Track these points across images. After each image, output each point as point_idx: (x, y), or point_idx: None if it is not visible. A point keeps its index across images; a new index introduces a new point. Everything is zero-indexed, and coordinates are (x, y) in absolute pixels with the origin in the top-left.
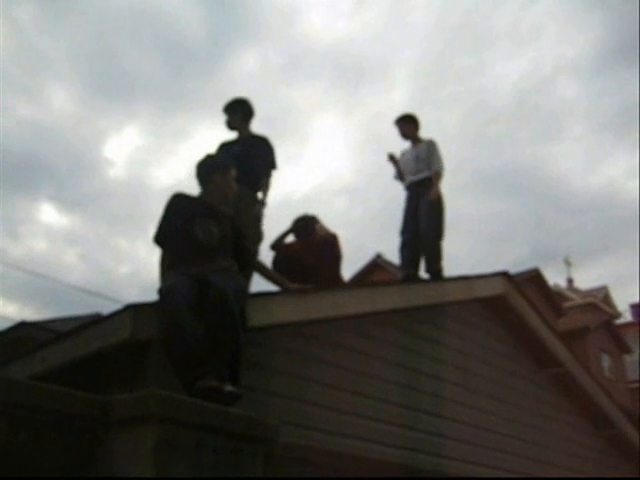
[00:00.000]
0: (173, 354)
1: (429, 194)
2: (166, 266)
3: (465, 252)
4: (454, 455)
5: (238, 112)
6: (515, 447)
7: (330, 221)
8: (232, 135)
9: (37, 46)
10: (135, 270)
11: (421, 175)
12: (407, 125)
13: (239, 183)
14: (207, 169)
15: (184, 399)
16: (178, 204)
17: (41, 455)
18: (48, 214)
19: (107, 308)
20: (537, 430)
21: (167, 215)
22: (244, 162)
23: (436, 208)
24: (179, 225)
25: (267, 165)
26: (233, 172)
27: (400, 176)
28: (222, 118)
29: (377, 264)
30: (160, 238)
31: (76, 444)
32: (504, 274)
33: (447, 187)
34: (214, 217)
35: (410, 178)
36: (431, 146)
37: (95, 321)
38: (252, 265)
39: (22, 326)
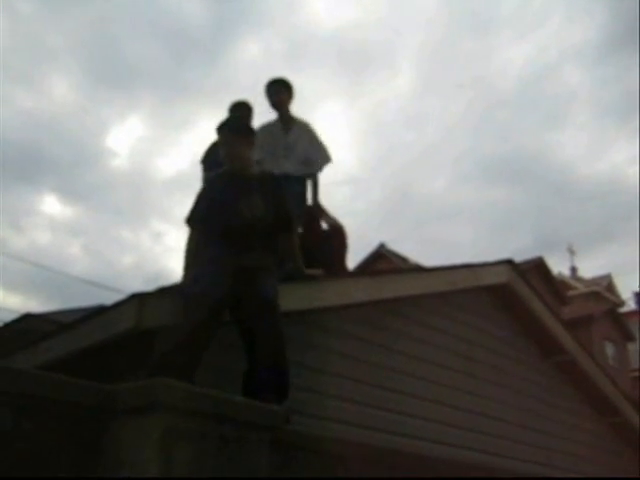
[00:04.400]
0: (167, 344)
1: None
2: (195, 248)
3: (468, 241)
4: (458, 442)
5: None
6: (520, 434)
7: (333, 211)
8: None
9: (38, 36)
10: (138, 261)
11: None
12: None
13: None
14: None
15: (190, 387)
16: (215, 184)
17: (47, 445)
18: (51, 205)
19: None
20: (542, 417)
21: (202, 195)
22: None
23: None
24: (217, 204)
25: None
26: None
27: None
28: (224, 107)
29: (381, 253)
30: (191, 219)
31: (82, 433)
32: (509, 262)
33: (450, 175)
34: (257, 191)
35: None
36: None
37: (100, 311)
38: (291, 234)
39: (26, 318)
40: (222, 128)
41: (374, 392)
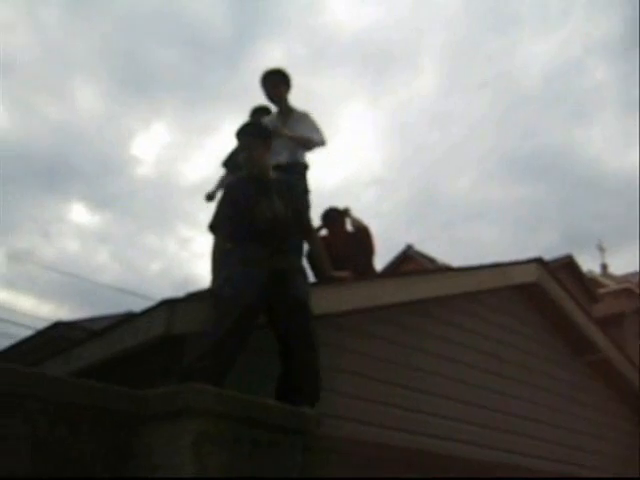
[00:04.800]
0: (198, 348)
1: None
2: (220, 254)
3: (496, 240)
4: (489, 443)
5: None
6: (551, 434)
7: (360, 213)
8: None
9: (63, 45)
10: (166, 267)
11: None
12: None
13: None
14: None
15: (221, 391)
16: (237, 188)
17: (80, 450)
18: (79, 214)
19: (139, 306)
20: (573, 416)
21: (226, 199)
22: None
23: None
24: (241, 207)
25: None
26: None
27: None
28: (246, 111)
29: (408, 255)
30: (216, 224)
31: (114, 439)
32: (538, 260)
33: (476, 174)
34: (276, 194)
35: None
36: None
37: (130, 317)
38: (313, 239)
39: (57, 326)
40: (242, 133)
41: (405, 393)
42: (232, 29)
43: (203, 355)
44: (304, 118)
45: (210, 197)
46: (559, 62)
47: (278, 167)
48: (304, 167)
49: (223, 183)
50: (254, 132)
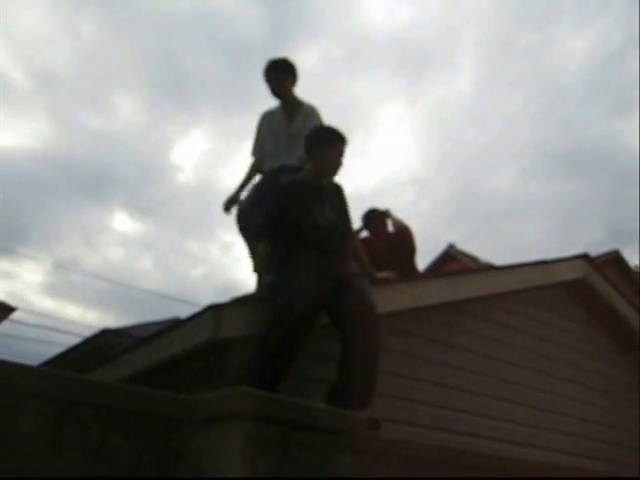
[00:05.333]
0: (256, 353)
1: None
2: (271, 259)
3: (538, 236)
4: (537, 443)
5: None
6: (603, 433)
7: (400, 213)
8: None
9: (100, 57)
10: (208, 273)
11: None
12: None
13: None
14: (308, 145)
15: (269, 395)
16: (289, 192)
17: (131, 455)
18: (121, 222)
19: (183, 312)
20: (625, 415)
21: (277, 205)
22: None
23: None
24: (295, 213)
25: None
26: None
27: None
28: None
29: (450, 254)
30: (266, 228)
31: (164, 443)
32: (584, 256)
33: (516, 170)
34: (327, 199)
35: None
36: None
37: (177, 323)
38: (354, 241)
39: (104, 333)
40: (338, 138)
41: (451, 394)
42: (268, 31)
43: (258, 359)
44: (311, 114)
45: (229, 204)
46: (598, 55)
47: (284, 169)
48: None
49: (249, 179)
50: (344, 139)
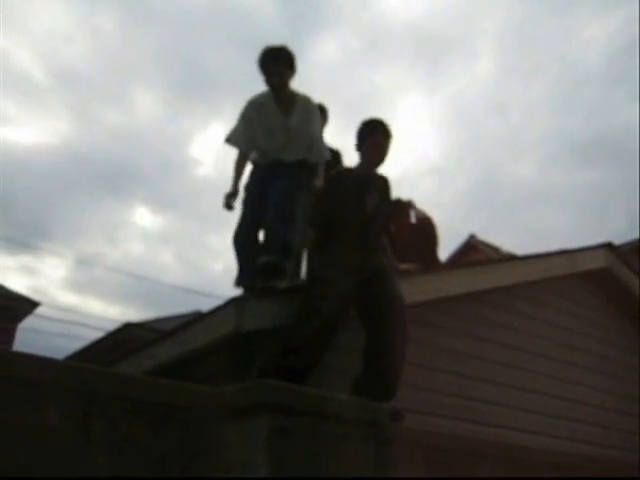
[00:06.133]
0: (287, 346)
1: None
2: (316, 247)
3: (561, 225)
4: (561, 433)
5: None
6: (628, 423)
7: (421, 204)
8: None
9: (120, 53)
10: (228, 266)
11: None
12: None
13: None
14: (358, 137)
15: (293, 387)
16: (339, 182)
17: (158, 447)
18: (142, 217)
19: (205, 305)
20: None
21: (326, 195)
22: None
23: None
24: (341, 202)
25: None
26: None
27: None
28: None
29: (471, 245)
30: (314, 220)
31: (190, 434)
32: (608, 245)
33: (537, 159)
34: (375, 189)
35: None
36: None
37: (201, 316)
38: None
39: (127, 327)
40: (383, 130)
41: (475, 385)
42: (286, 24)
43: (284, 354)
44: (309, 107)
45: (229, 200)
46: (619, 42)
47: (281, 164)
48: (312, 167)
49: (241, 171)
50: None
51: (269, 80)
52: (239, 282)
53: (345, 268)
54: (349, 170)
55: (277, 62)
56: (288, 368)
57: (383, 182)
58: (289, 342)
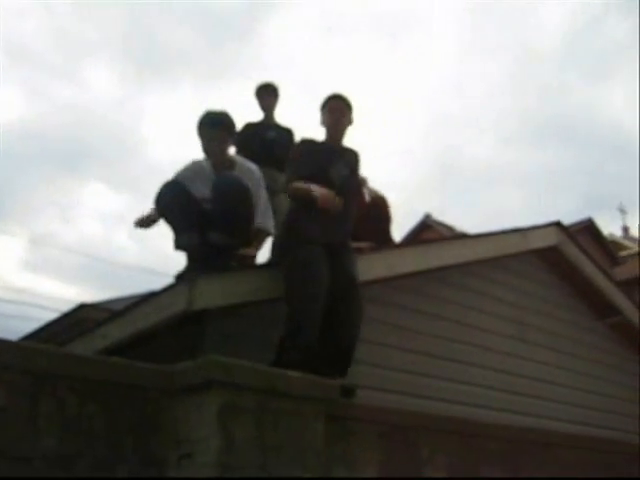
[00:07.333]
0: (300, 317)
1: None
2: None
3: (516, 205)
4: (511, 408)
5: (273, 96)
6: (577, 398)
7: (378, 184)
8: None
9: (73, 30)
10: None
11: None
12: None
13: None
14: (320, 111)
15: (243, 364)
16: (309, 149)
17: (109, 426)
18: (97, 195)
19: (161, 284)
20: (599, 380)
21: (298, 161)
22: (279, 149)
23: None
24: (313, 170)
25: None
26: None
27: None
28: (253, 85)
29: (427, 224)
30: (297, 172)
31: (142, 413)
32: (557, 224)
33: (493, 139)
34: (342, 159)
35: None
36: None
37: (152, 295)
38: None
39: (82, 308)
40: (330, 99)
41: (425, 361)
42: (243, 2)
43: (299, 349)
44: (249, 175)
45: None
46: (577, 21)
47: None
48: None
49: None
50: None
51: (208, 145)
52: (178, 244)
53: (316, 243)
54: (313, 141)
55: (217, 128)
56: (306, 343)
57: (355, 156)
58: (300, 318)
